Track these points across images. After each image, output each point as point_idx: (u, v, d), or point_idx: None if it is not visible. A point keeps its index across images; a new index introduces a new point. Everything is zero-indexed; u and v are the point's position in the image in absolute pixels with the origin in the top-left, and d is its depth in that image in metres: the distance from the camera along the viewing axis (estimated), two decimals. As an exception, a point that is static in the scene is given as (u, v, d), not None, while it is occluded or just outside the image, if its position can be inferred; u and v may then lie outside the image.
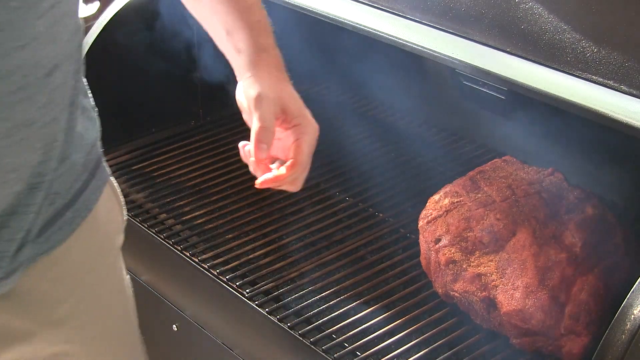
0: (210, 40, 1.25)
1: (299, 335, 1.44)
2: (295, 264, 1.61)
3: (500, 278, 1.39)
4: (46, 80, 0.95)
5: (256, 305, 1.51)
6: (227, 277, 1.58)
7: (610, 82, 1.19)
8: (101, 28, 1.87)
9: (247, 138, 1.14)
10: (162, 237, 1.69)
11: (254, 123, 1.12)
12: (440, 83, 2.08)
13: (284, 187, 1.16)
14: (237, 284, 1.56)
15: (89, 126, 1.11)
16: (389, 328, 1.46)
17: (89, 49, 1.87)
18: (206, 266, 1.61)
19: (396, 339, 1.44)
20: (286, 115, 1.14)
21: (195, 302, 1.74)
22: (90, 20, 2.73)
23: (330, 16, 1.51)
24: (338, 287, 1.55)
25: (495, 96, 1.57)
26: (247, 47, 1.17)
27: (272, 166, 1.15)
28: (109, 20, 1.87)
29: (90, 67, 1.86)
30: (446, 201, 1.52)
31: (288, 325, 1.46)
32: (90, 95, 1.15)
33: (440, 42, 1.36)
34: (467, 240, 1.45)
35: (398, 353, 1.41)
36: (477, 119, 1.99)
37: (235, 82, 1.20)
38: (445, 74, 1.91)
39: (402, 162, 1.95)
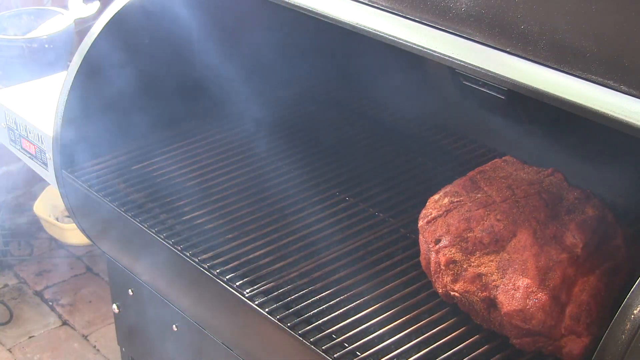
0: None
1: (299, 335, 1.44)
2: (295, 264, 1.61)
3: (501, 278, 1.39)
4: None
5: (256, 305, 1.50)
6: (227, 277, 1.58)
7: (610, 82, 1.19)
8: (101, 28, 1.87)
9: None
10: (162, 237, 1.69)
11: None
12: (440, 83, 2.08)
13: None
14: (237, 284, 1.56)
15: None
16: (389, 328, 1.46)
17: (89, 49, 1.87)
18: (206, 266, 1.61)
19: (396, 339, 1.44)
20: None
21: (195, 302, 1.74)
22: (90, 20, 2.73)
23: (330, 16, 1.51)
24: (338, 287, 1.55)
25: (495, 96, 1.57)
26: None
27: None
28: (109, 20, 1.87)
29: (90, 66, 1.88)
30: (446, 200, 1.52)
31: (288, 325, 1.45)
32: None
33: (440, 42, 1.36)
34: (468, 240, 1.45)
35: (398, 353, 1.41)
36: (477, 119, 1.99)
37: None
38: (445, 74, 1.91)
39: (402, 162, 1.95)
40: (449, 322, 1.47)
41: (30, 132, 2.04)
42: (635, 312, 1.09)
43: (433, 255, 1.48)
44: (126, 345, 2.15)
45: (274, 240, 1.69)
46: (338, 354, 1.41)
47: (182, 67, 2.04)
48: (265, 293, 1.54)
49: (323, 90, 2.24)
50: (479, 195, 1.51)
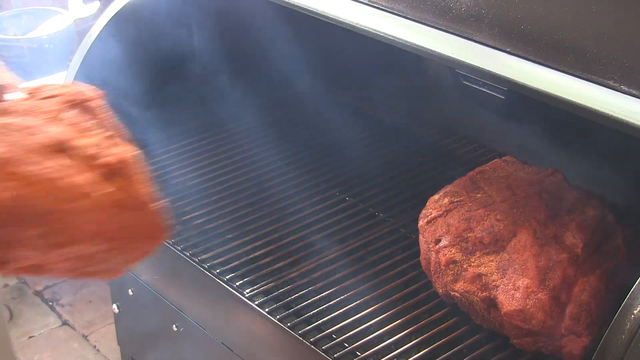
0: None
1: (299, 335, 1.44)
2: (295, 264, 1.61)
3: (501, 278, 1.39)
4: None
5: (256, 305, 1.50)
6: (227, 277, 1.58)
7: (610, 82, 1.19)
8: (101, 28, 1.87)
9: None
10: (162, 237, 1.68)
11: None
12: (440, 83, 2.08)
13: None
14: (237, 284, 1.56)
15: None
16: (389, 328, 1.46)
17: (89, 49, 1.87)
18: (206, 266, 1.61)
19: (396, 339, 1.44)
20: None
21: (195, 302, 1.74)
22: (90, 20, 2.73)
23: (330, 16, 1.51)
24: (338, 287, 1.55)
25: (495, 96, 1.57)
26: None
27: None
28: (109, 20, 1.87)
29: (91, 66, 1.88)
30: (446, 200, 1.52)
31: (288, 325, 1.46)
32: None
33: (440, 42, 1.36)
34: (468, 240, 1.45)
35: (398, 353, 1.41)
36: (477, 119, 1.99)
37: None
38: (445, 74, 1.91)
39: (401, 162, 1.95)
40: (449, 322, 1.47)
41: (30, 132, 2.03)
42: (635, 312, 1.09)
43: (433, 255, 1.48)
44: (126, 345, 2.15)
45: (274, 240, 1.69)
46: (338, 354, 1.41)
47: (182, 66, 2.04)
48: (265, 293, 1.54)
49: (323, 90, 2.24)
50: (479, 195, 1.51)
